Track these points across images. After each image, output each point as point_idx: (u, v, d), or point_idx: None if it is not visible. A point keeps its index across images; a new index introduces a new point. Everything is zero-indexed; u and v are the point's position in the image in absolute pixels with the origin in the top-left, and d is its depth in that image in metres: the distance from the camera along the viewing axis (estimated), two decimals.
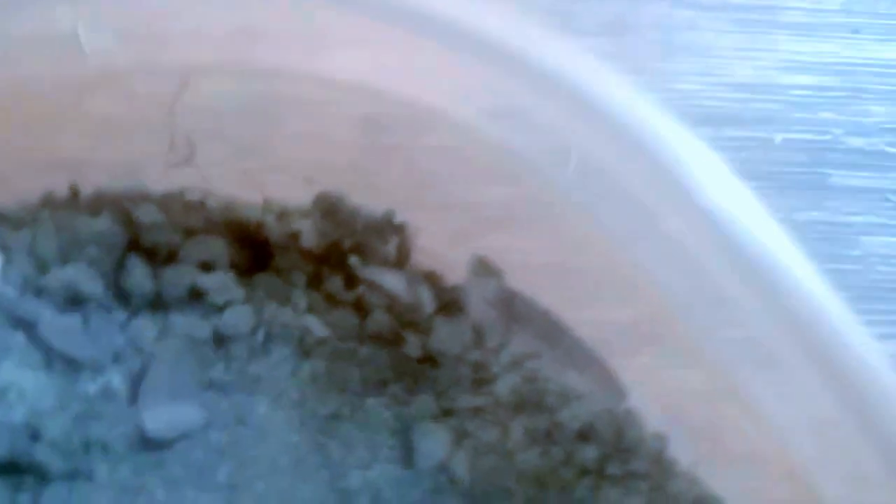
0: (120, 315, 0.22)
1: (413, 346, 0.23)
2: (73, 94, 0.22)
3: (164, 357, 0.22)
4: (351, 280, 0.23)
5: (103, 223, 0.23)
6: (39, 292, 0.22)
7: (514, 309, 0.23)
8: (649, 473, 0.22)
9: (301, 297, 0.23)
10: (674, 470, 0.22)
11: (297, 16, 0.21)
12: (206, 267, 0.23)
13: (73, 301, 0.22)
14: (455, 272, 0.24)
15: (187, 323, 0.22)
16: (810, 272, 0.18)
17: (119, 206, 0.23)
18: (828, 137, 0.30)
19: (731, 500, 0.21)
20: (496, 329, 0.23)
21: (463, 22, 0.20)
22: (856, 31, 0.31)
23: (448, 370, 0.23)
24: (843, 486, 0.19)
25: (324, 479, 0.21)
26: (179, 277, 0.23)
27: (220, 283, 0.23)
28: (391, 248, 0.24)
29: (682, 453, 0.22)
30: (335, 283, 0.23)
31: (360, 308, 0.23)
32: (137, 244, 0.23)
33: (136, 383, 0.22)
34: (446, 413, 0.22)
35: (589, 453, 0.22)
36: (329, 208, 0.23)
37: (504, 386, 0.23)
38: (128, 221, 0.23)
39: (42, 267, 0.22)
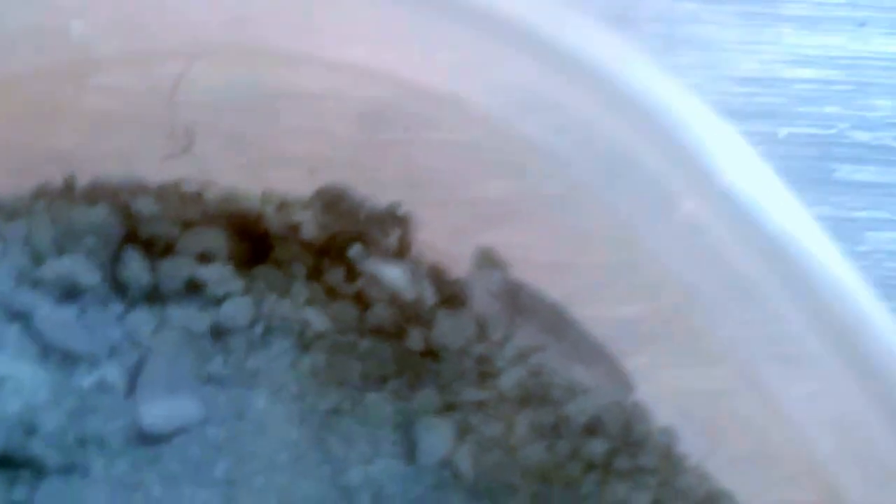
0: (117, 307, 0.22)
1: (415, 339, 0.23)
2: (69, 85, 0.22)
3: (161, 350, 0.22)
4: (352, 272, 0.23)
5: (99, 214, 0.22)
6: (35, 284, 0.22)
7: (519, 301, 0.23)
8: (658, 468, 0.22)
9: (301, 290, 0.23)
10: (683, 465, 0.22)
11: (296, 5, 0.21)
12: (205, 259, 0.23)
13: (69, 293, 0.22)
14: (457, 267, 0.23)
15: (185, 315, 0.22)
16: (837, 260, 0.18)
17: (116, 197, 0.23)
18: (833, 132, 0.30)
19: (744, 497, 0.21)
20: (500, 322, 0.23)
21: (465, 9, 0.20)
22: (862, 24, 0.31)
23: (451, 364, 0.22)
24: (865, 484, 0.18)
25: (324, 474, 0.21)
26: (177, 269, 0.22)
27: (219, 275, 0.22)
28: (393, 240, 0.23)
29: (692, 448, 0.22)
30: (336, 275, 0.23)
31: (361, 301, 0.23)
32: (134, 236, 0.23)
33: (132, 377, 0.21)
34: (449, 407, 0.22)
35: (596, 447, 0.22)
36: (331, 200, 0.23)
37: (509, 379, 0.22)
38: (125, 212, 0.23)
39: (37, 258, 0.22)
